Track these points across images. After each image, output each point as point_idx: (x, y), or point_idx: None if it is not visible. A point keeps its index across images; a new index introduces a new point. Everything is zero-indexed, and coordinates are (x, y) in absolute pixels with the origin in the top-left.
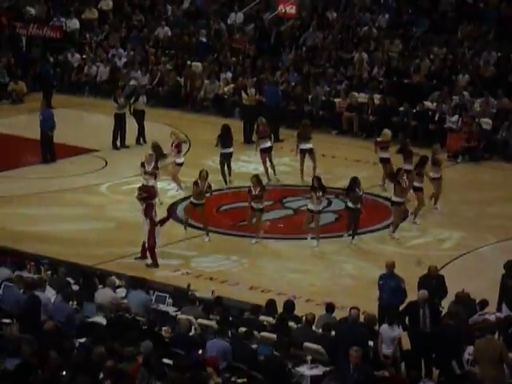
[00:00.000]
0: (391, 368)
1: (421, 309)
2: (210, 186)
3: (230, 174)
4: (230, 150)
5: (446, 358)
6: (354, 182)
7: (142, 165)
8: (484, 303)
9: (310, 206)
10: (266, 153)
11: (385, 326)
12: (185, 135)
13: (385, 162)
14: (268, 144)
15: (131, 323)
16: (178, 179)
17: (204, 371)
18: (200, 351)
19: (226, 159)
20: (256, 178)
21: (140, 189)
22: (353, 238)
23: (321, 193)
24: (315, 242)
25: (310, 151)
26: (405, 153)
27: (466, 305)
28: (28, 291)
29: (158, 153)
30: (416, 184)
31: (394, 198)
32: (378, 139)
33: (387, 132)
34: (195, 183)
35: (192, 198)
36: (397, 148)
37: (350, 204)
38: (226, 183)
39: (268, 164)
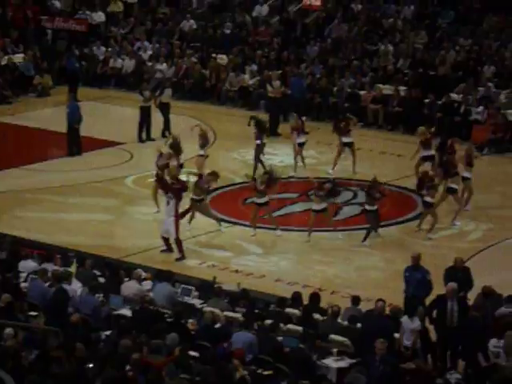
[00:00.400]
0: (418, 360)
1: (449, 302)
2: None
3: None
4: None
5: (472, 351)
6: (372, 183)
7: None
8: (511, 298)
9: (315, 207)
10: (300, 147)
11: (405, 318)
12: (210, 127)
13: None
14: (303, 139)
15: (156, 315)
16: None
17: (230, 363)
18: (225, 344)
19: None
20: (267, 175)
21: (174, 179)
22: (364, 239)
23: (322, 192)
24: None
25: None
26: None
27: (493, 298)
28: (55, 284)
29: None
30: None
31: (428, 199)
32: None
33: (422, 129)
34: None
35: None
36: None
37: (366, 206)
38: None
39: (299, 158)
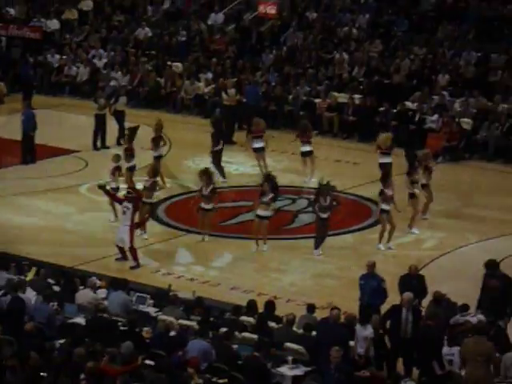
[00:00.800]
0: (372, 368)
1: (403, 312)
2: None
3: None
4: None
5: (427, 359)
6: (319, 191)
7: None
8: (465, 307)
9: (259, 212)
10: (258, 152)
11: (358, 326)
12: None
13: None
14: (261, 144)
15: (110, 324)
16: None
17: (185, 372)
18: (180, 352)
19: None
20: (206, 175)
21: (129, 189)
22: (316, 247)
23: (270, 196)
24: (265, 247)
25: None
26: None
27: (446, 305)
28: (11, 292)
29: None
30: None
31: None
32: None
33: (388, 136)
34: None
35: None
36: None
37: (319, 213)
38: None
39: (261, 163)
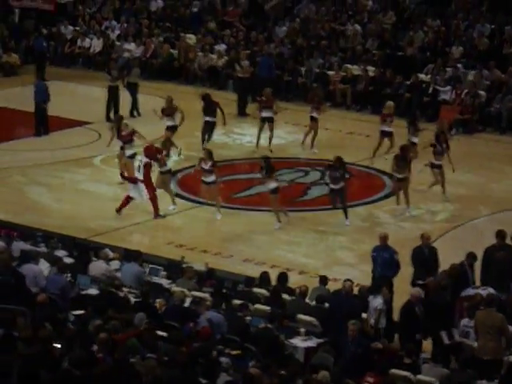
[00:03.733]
0: (384, 340)
1: (416, 308)
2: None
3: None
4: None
5: (436, 328)
6: (335, 162)
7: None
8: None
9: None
10: (264, 122)
11: (371, 297)
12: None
13: (385, 135)
14: (269, 114)
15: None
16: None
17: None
18: (191, 324)
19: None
20: (207, 153)
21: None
22: (346, 217)
23: (265, 173)
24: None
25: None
26: (413, 126)
27: (460, 277)
28: (22, 263)
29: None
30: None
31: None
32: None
33: (390, 104)
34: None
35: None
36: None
37: (331, 185)
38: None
39: (268, 134)
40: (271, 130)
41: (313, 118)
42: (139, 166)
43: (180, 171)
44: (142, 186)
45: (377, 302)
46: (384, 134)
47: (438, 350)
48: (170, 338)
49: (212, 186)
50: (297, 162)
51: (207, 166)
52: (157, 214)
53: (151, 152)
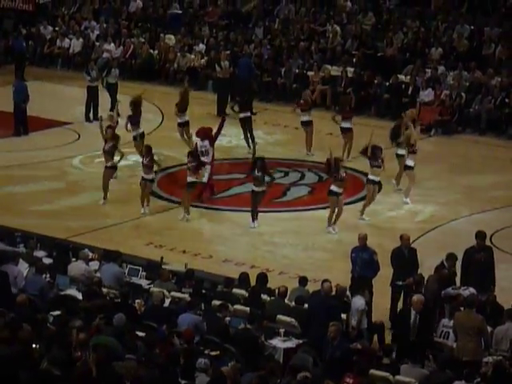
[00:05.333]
0: (363, 340)
1: (413, 315)
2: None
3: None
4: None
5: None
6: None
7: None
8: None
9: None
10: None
11: (353, 298)
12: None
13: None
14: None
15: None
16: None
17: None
18: (164, 326)
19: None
20: (147, 148)
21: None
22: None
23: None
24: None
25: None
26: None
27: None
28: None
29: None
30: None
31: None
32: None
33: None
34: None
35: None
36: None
37: (253, 187)
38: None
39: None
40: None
41: (346, 129)
42: (203, 151)
43: (160, 172)
44: (208, 168)
45: (359, 302)
46: None
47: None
48: (147, 338)
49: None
50: (277, 163)
51: (146, 160)
52: (212, 192)
53: (206, 133)
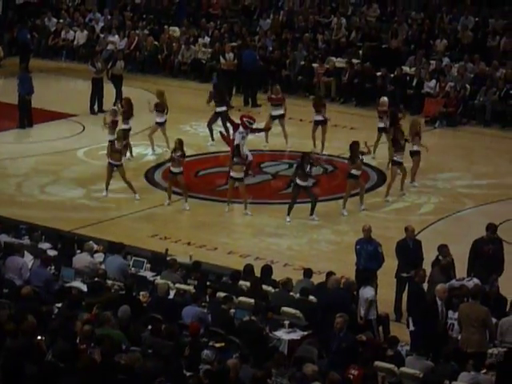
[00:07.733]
0: (368, 332)
1: (439, 304)
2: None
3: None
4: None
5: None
6: (303, 158)
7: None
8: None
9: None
10: (275, 120)
11: (360, 288)
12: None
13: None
14: (280, 111)
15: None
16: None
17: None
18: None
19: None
20: (179, 142)
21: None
22: (288, 214)
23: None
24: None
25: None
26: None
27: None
28: (6, 255)
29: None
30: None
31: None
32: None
33: (384, 100)
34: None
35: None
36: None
37: (297, 180)
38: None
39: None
40: (283, 126)
41: (382, 129)
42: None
43: (162, 164)
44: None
45: (367, 293)
46: (379, 130)
47: (422, 343)
48: (154, 330)
49: (179, 176)
50: (281, 155)
51: (176, 155)
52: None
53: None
